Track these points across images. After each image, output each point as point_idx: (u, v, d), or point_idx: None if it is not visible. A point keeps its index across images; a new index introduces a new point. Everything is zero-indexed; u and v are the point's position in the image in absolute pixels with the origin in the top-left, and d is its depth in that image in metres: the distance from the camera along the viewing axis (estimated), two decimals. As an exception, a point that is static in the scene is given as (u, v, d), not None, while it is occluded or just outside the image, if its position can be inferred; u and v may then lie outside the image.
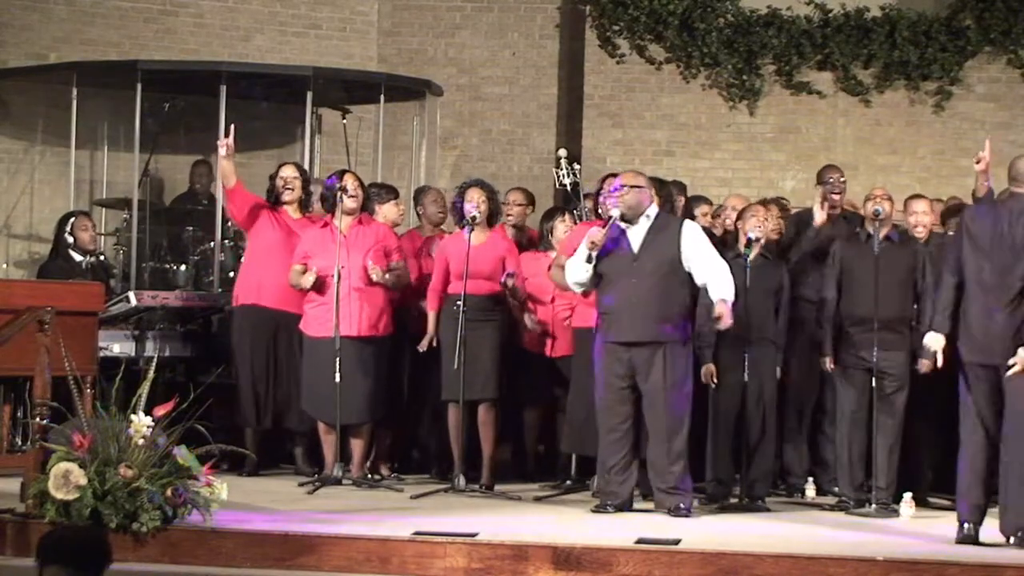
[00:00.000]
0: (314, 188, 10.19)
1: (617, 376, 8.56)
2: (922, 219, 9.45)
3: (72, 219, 11.07)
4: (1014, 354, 7.67)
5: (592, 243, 8.55)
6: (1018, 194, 7.95)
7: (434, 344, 9.49)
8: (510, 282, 9.39)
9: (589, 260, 8.60)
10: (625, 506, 8.62)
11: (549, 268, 9.48)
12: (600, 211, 9.05)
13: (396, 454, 10.21)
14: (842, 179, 10.04)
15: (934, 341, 8.08)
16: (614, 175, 9.36)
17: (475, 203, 9.42)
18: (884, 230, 9.08)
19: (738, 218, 9.47)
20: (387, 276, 9.49)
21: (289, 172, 10.12)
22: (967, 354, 7.88)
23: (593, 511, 8.56)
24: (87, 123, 12.32)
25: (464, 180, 10.09)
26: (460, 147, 13.95)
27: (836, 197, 9.88)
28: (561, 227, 9.89)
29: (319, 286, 9.44)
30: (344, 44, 13.92)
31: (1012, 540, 7.68)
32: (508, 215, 10.31)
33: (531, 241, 10.30)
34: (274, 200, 10.06)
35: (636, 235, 8.66)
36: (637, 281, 8.55)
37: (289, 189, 10.01)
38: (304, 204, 10.11)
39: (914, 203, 9.56)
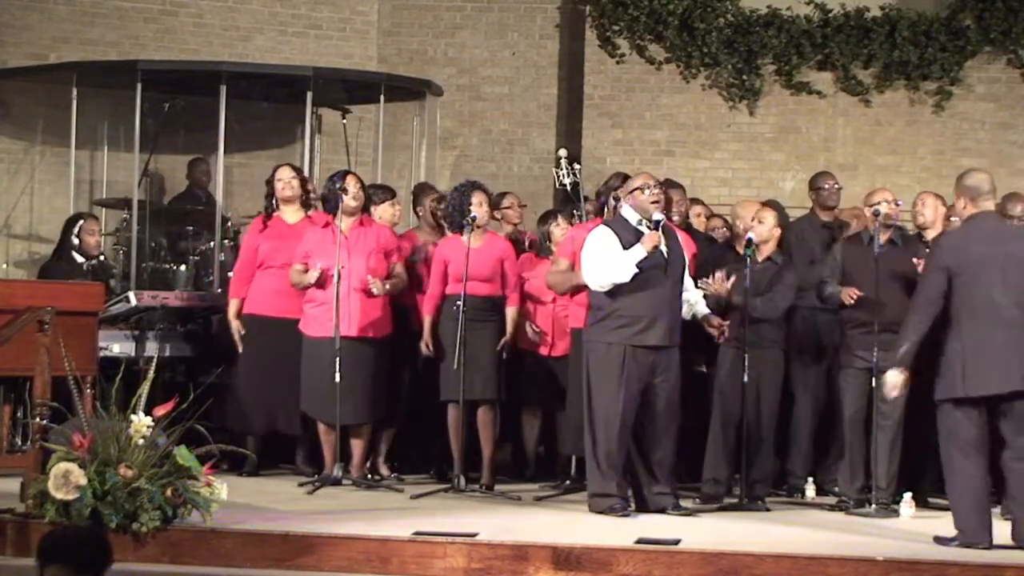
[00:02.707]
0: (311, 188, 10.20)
1: (640, 379, 8.49)
2: (928, 214, 9.45)
3: (80, 222, 11.07)
4: None
5: (655, 246, 8.45)
6: (988, 212, 7.79)
7: (429, 348, 9.50)
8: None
9: (639, 262, 8.44)
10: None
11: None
12: (629, 211, 8.62)
13: (396, 454, 10.21)
14: (836, 185, 10.06)
15: (899, 380, 7.82)
16: (624, 175, 9.32)
17: (481, 205, 9.43)
18: (887, 233, 9.08)
19: (738, 220, 9.47)
20: (387, 287, 9.49)
21: (286, 174, 10.10)
22: (981, 388, 7.54)
23: (618, 515, 8.38)
24: (87, 123, 12.32)
25: (463, 181, 10.04)
26: (460, 147, 13.95)
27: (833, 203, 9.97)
28: (557, 231, 9.87)
29: (322, 281, 9.44)
30: (344, 44, 13.92)
31: None
32: (503, 219, 10.32)
33: (526, 243, 10.30)
34: (274, 204, 10.05)
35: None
36: (670, 286, 8.54)
37: (290, 188, 10.01)
38: (304, 204, 10.10)
39: (925, 197, 9.55)
